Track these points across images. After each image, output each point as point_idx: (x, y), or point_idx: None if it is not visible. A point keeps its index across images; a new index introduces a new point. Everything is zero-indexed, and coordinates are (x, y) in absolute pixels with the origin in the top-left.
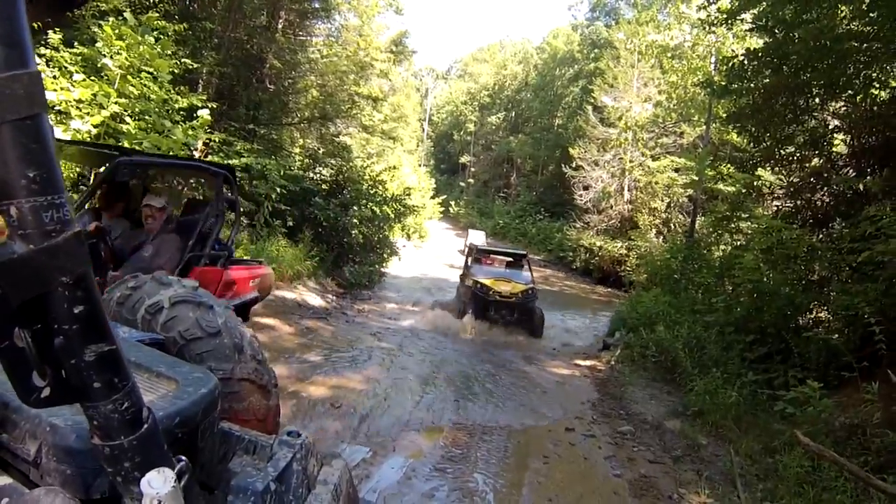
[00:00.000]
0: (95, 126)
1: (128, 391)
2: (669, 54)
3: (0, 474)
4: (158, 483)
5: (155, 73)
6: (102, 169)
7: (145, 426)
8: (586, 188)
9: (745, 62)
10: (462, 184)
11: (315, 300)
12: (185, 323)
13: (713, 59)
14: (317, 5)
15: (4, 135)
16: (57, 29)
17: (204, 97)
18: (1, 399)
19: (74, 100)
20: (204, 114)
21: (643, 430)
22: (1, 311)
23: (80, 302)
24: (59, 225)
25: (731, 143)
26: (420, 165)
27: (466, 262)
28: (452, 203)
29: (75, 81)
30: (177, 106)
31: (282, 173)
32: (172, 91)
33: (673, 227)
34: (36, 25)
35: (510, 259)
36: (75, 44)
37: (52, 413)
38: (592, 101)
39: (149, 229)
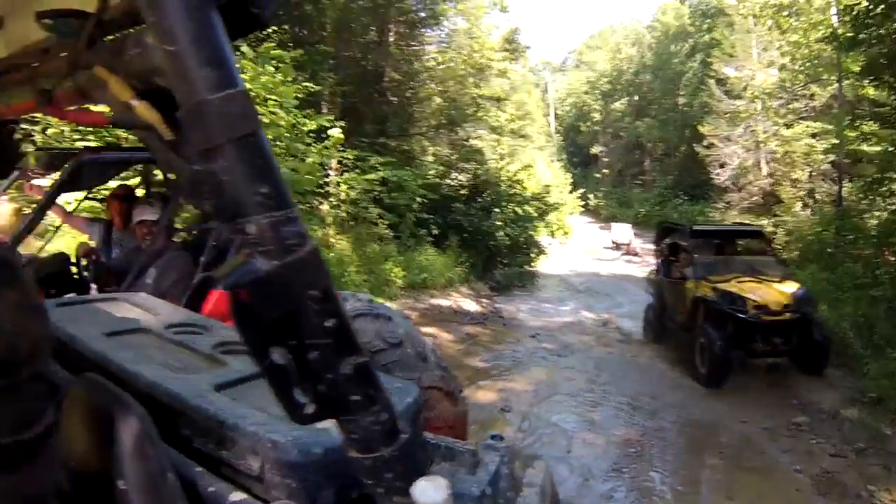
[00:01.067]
0: None
1: (384, 402)
2: (785, 13)
3: (234, 490)
4: (432, 492)
5: (281, 99)
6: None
7: (404, 436)
8: (722, 166)
9: (871, 7)
10: (597, 175)
11: (470, 305)
12: (366, 336)
13: (834, 11)
14: (423, 14)
15: (230, 154)
16: None
17: (331, 118)
18: (217, 417)
19: None
20: (335, 132)
21: (819, 421)
22: (256, 329)
23: (329, 315)
24: (299, 239)
25: (869, 99)
26: (553, 161)
27: (664, 258)
28: (591, 196)
29: None
30: (305, 129)
31: (419, 183)
32: (299, 115)
33: (819, 197)
34: None
35: (742, 242)
36: None
37: (270, 430)
38: (713, 74)
39: (150, 250)
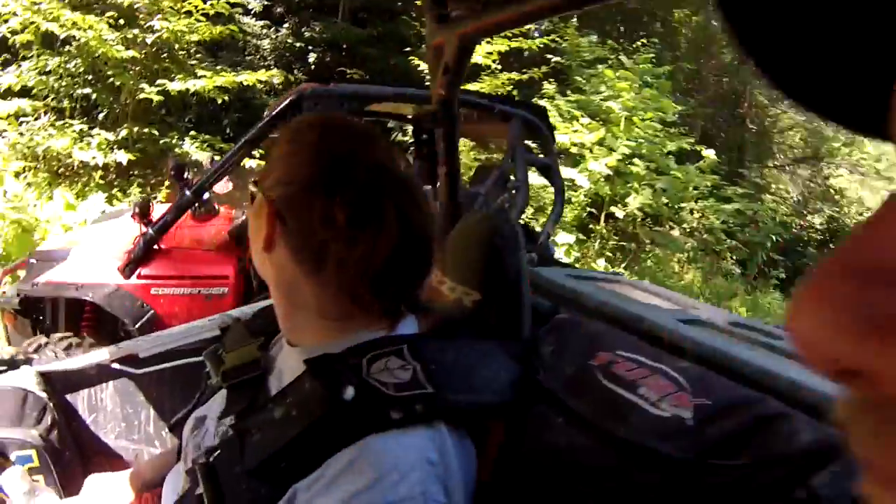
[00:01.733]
0: (610, 167)
1: None
2: None
3: None
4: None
5: (660, 114)
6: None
7: None
8: None
9: None
10: None
11: None
12: None
13: None
14: None
15: None
16: (551, 80)
17: (692, 140)
18: None
19: (589, 143)
20: (710, 154)
21: None
22: None
23: None
24: None
25: None
26: None
27: None
28: None
29: (584, 125)
30: (665, 149)
31: (775, 220)
32: (661, 133)
33: None
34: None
35: None
36: (567, 92)
37: None
38: None
39: None
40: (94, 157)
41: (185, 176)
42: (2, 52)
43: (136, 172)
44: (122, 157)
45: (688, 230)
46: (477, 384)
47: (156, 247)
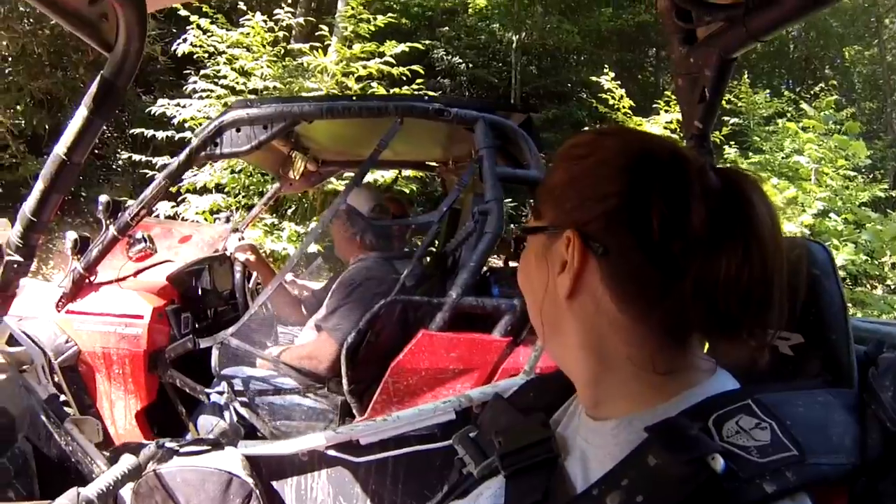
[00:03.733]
0: (806, 226)
1: None
2: None
3: None
4: None
5: (852, 161)
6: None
7: None
8: None
9: None
10: None
11: None
12: None
13: None
14: None
15: None
16: (732, 143)
17: (885, 185)
18: None
19: (781, 203)
20: None
21: None
22: None
23: None
24: None
25: None
26: None
27: None
28: None
29: (772, 186)
30: (857, 200)
31: None
32: (853, 182)
33: None
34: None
35: None
36: (749, 154)
37: None
38: None
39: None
40: (284, 249)
41: (118, 213)
42: None
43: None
44: (313, 247)
45: (893, 287)
46: (835, 443)
47: (90, 282)
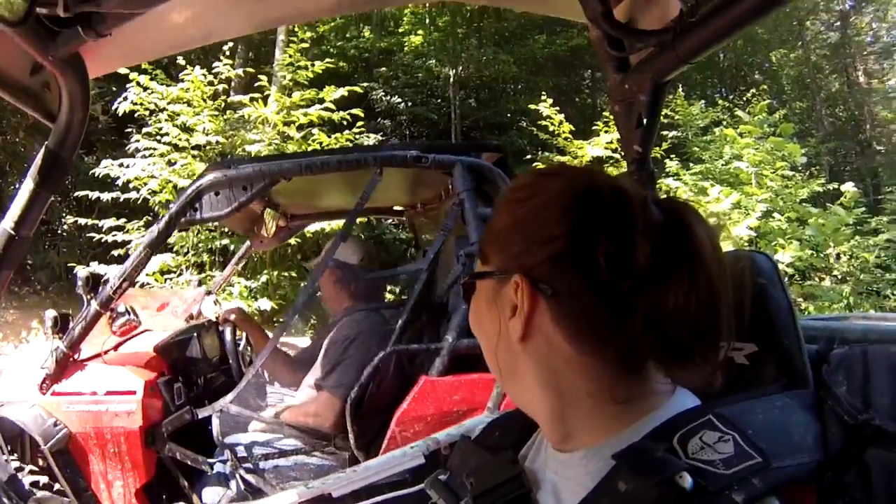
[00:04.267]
0: (752, 229)
1: None
2: None
3: None
4: None
5: (790, 161)
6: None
7: None
8: None
9: None
10: None
11: None
12: None
13: None
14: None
15: None
16: (672, 156)
17: (822, 180)
18: None
19: (726, 210)
20: (849, 188)
21: None
22: None
23: None
24: None
25: None
26: None
27: None
28: None
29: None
30: (797, 197)
31: None
32: (792, 181)
33: None
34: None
35: None
36: (690, 164)
37: None
38: None
39: (328, 311)
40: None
41: (98, 287)
42: (144, 214)
43: (278, 320)
44: (266, 303)
45: (839, 277)
46: (797, 443)
47: (74, 360)
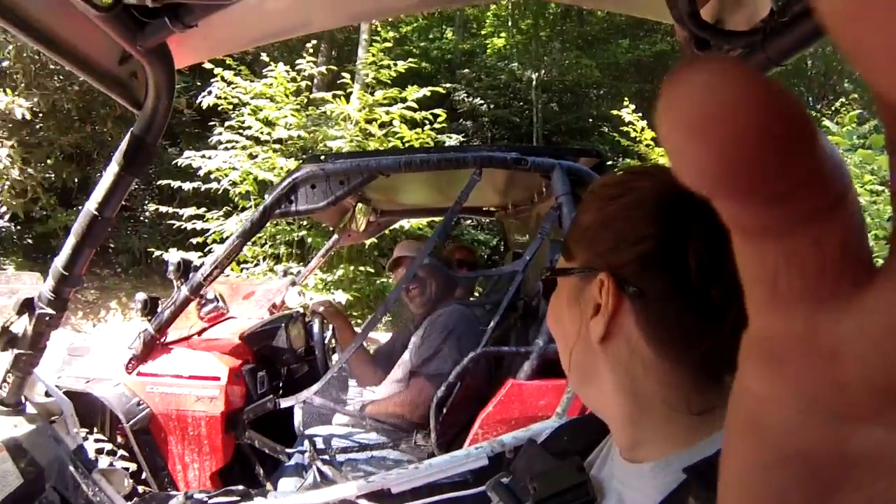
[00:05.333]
0: None
1: None
2: None
3: None
4: None
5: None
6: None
7: None
8: None
9: None
10: None
11: None
12: None
13: None
14: None
15: None
16: None
17: None
18: None
19: None
20: None
21: None
22: None
23: None
24: None
25: None
26: None
27: None
28: None
29: None
30: (885, 215)
31: None
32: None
33: None
34: None
35: None
36: None
37: None
38: None
39: (413, 312)
40: (311, 298)
41: (189, 273)
42: (224, 205)
43: (355, 313)
44: (341, 297)
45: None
46: None
47: (161, 343)
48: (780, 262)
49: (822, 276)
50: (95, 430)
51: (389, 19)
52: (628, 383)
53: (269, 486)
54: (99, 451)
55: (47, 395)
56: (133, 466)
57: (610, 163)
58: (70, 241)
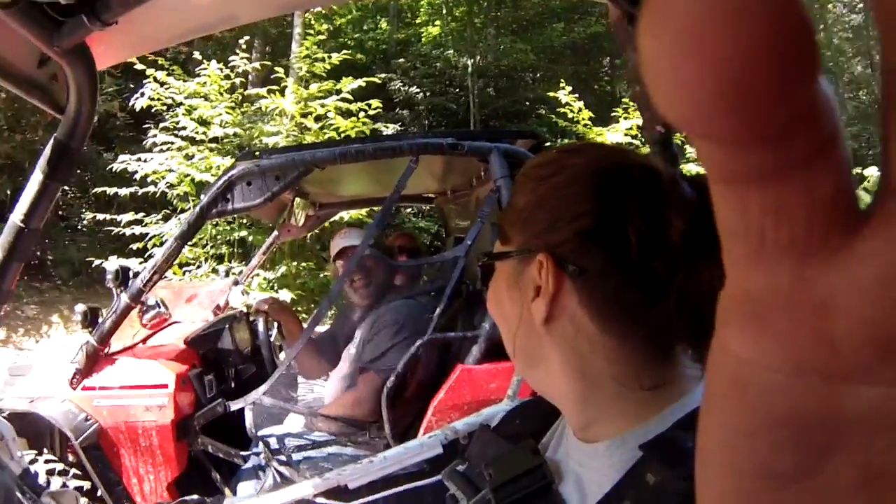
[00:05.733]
0: None
1: None
2: None
3: None
4: None
5: None
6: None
7: None
8: None
9: None
10: None
11: None
12: None
13: None
14: None
15: None
16: None
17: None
18: None
19: None
20: (872, 173)
21: None
22: None
23: None
24: None
25: None
26: None
27: None
28: None
29: None
30: None
31: None
32: None
33: None
34: None
35: None
36: None
37: None
38: None
39: (356, 303)
40: (255, 297)
41: (128, 280)
42: (162, 208)
43: (300, 309)
44: (286, 294)
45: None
46: None
47: (104, 355)
48: (766, 211)
49: (811, 225)
50: (45, 450)
51: (323, 11)
52: (576, 362)
53: (227, 491)
54: (50, 472)
55: None
56: (87, 484)
57: (548, 144)
58: None
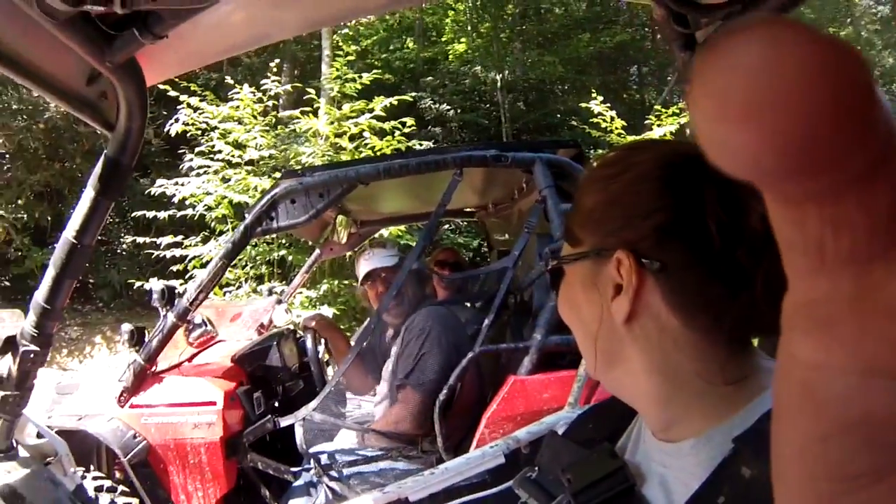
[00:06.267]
0: None
1: None
2: None
3: None
4: None
5: None
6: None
7: None
8: None
9: None
10: None
11: None
12: None
13: None
14: None
15: None
16: None
17: None
18: None
19: None
20: None
21: None
22: None
23: None
24: None
25: None
26: None
27: None
28: None
29: None
30: None
31: None
32: None
33: None
34: None
35: None
36: None
37: None
38: None
39: (389, 322)
40: (298, 315)
41: (174, 300)
42: (201, 230)
43: (342, 325)
44: (328, 311)
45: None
46: None
47: (152, 373)
48: (825, 226)
49: (872, 235)
50: (92, 467)
51: (350, 32)
52: (659, 360)
53: None
54: (98, 489)
55: (39, 436)
56: (135, 502)
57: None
58: (50, 273)
